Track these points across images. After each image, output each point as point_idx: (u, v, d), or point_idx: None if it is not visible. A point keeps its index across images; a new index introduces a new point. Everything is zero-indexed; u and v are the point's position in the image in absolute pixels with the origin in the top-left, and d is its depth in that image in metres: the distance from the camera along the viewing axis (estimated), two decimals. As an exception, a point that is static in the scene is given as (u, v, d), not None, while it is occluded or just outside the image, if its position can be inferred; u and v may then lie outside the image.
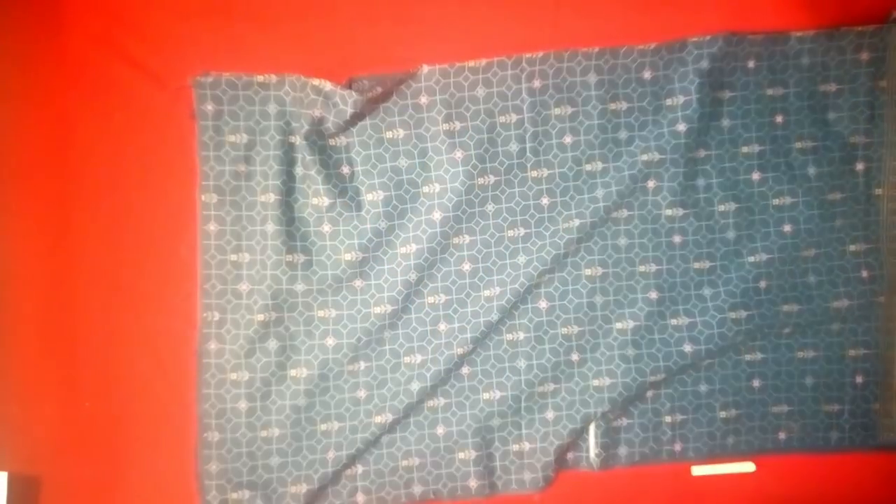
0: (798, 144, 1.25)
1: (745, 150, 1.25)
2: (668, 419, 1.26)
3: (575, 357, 1.25)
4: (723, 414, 1.26)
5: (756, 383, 1.26)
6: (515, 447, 1.24)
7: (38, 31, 1.22)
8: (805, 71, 1.24)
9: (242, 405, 1.19)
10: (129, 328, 1.21)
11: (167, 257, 1.21)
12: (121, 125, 1.22)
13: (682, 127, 1.21)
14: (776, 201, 1.25)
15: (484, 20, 1.26)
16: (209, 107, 1.18)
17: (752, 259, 1.24)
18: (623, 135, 1.24)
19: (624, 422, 1.26)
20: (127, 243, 1.21)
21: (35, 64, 1.21)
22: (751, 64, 1.23)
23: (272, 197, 1.19)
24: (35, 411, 1.18)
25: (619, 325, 1.25)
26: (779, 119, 1.25)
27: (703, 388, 1.26)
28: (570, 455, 1.26)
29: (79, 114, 1.22)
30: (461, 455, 1.23)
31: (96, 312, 1.21)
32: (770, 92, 1.24)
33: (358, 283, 1.23)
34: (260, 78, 1.19)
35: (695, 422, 1.26)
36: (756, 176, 1.25)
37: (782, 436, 1.26)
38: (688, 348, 1.23)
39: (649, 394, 1.26)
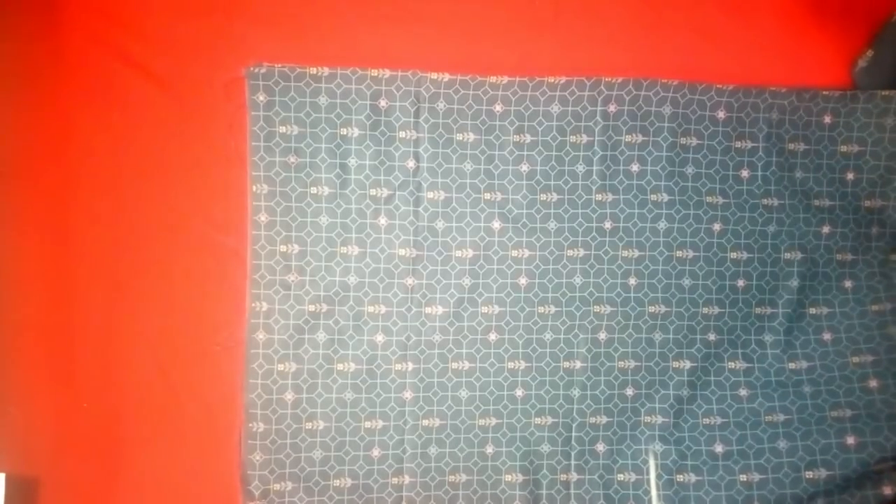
0: (867, 203, 1.27)
1: (816, 203, 1.26)
2: (742, 478, 1.20)
3: (630, 392, 1.23)
4: (809, 474, 1.18)
5: (851, 440, 1.16)
6: (563, 476, 1.23)
7: (37, 31, 1.20)
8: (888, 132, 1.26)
9: (289, 396, 1.18)
10: (129, 328, 1.20)
11: (166, 257, 1.20)
12: (120, 125, 1.20)
13: (745, 173, 1.24)
14: (839, 256, 1.25)
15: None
16: (261, 97, 1.17)
17: (813, 311, 1.24)
18: (690, 170, 1.23)
19: (692, 478, 1.21)
20: (126, 243, 1.20)
21: (35, 64, 1.19)
22: (827, 119, 1.25)
23: (324, 189, 1.19)
24: (33, 412, 1.18)
25: (675, 364, 1.23)
26: (850, 176, 1.27)
27: (781, 444, 1.19)
28: None
29: (78, 114, 1.20)
30: (508, 477, 1.22)
31: (96, 312, 1.20)
32: (844, 149, 1.27)
33: (409, 280, 1.21)
34: (313, 70, 1.18)
35: (776, 482, 1.19)
36: (826, 229, 1.24)
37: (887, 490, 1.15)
38: (743, 392, 1.21)
39: (719, 449, 1.21)
